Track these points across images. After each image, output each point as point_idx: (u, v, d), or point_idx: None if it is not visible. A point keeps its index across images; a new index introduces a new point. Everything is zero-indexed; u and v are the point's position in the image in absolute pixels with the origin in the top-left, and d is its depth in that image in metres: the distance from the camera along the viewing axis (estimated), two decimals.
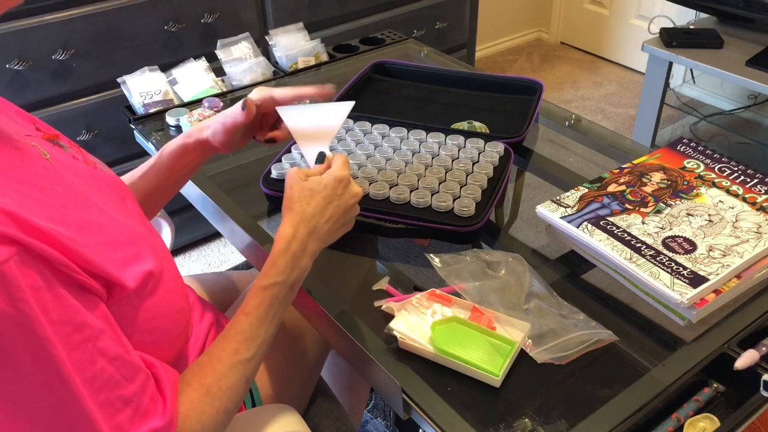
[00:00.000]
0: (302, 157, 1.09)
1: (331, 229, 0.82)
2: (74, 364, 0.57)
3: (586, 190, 1.01)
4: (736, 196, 0.99)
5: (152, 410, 0.63)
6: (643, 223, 0.94)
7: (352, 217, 0.86)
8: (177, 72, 1.43)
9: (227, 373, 0.72)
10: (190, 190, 1.16)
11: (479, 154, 1.12)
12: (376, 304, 0.88)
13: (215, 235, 2.27)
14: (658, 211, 0.97)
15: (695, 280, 0.84)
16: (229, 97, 1.39)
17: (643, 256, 0.88)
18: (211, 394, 0.70)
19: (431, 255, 0.93)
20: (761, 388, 0.76)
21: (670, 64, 2.28)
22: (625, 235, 0.92)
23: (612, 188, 1.01)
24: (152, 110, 1.35)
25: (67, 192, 0.64)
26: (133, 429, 0.61)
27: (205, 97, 1.34)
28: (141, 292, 0.67)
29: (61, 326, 0.56)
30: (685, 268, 0.86)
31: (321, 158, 0.87)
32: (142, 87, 1.38)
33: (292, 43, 1.54)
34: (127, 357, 0.62)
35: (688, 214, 0.96)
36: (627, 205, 0.98)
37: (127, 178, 0.96)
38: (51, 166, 0.65)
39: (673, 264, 0.87)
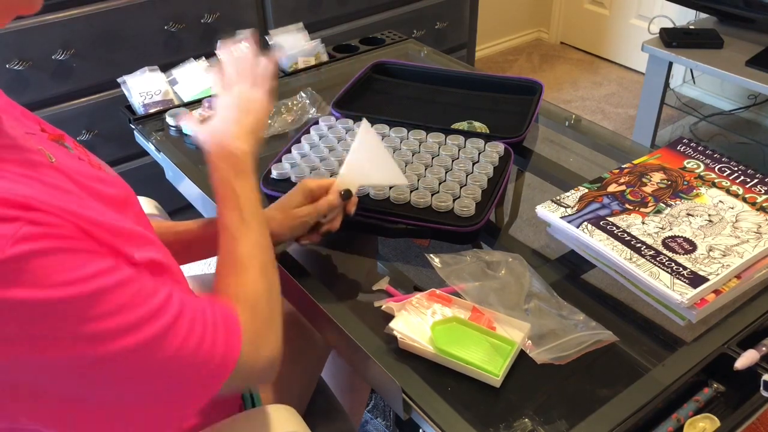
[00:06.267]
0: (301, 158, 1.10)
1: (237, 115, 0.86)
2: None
3: (586, 190, 1.01)
4: (736, 196, 0.99)
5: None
6: (643, 223, 0.94)
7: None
8: (177, 72, 1.43)
9: (231, 251, 0.77)
10: (190, 190, 1.16)
11: (479, 154, 1.12)
12: (376, 304, 0.88)
13: None
14: (658, 211, 0.97)
15: (695, 280, 0.84)
16: None
17: (643, 256, 0.88)
18: (237, 265, 0.75)
19: (431, 255, 0.93)
20: (761, 388, 0.76)
21: (670, 64, 2.28)
22: (625, 235, 0.92)
23: (612, 188, 1.01)
24: (152, 110, 1.35)
25: (70, 194, 0.64)
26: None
27: (205, 97, 1.34)
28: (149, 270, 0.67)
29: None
30: (685, 268, 0.86)
31: (348, 195, 0.92)
32: (142, 87, 1.38)
33: (292, 43, 1.54)
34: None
35: (688, 214, 0.96)
36: (627, 205, 0.98)
37: (159, 226, 0.94)
38: (56, 169, 0.65)
39: (673, 264, 0.87)
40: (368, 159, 0.94)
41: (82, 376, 0.57)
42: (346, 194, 0.92)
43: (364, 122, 0.94)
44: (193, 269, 2.18)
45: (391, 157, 0.96)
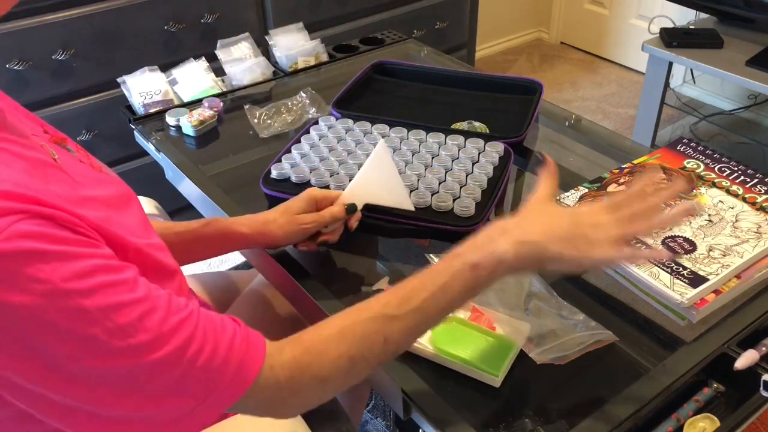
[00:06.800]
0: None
1: (541, 231, 0.70)
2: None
3: (586, 190, 1.01)
4: (736, 196, 0.99)
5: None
6: None
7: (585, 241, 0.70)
8: (177, 72, 1.43)
9: (365, 320, 0.67)
10: (190, 190, 1.16)
11: (479, 154, 1.12)
12: None
13: None
14: None
15: (695, 280, 0.84)
16: (229, 97, 1.39)
17: None
18: (342, 334, 0.66)
19: (431, 255, 0.93)
20: (761, 388, 0.76)
21: (670, 64, 2.28)
22: None
23: (612, 188, 1.01)
24: (152, 110, 1.35)
25: (74, 191, 0.64)
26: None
27: (205, 97, 1.34)
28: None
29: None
30: (685, 268, 0.86)
31: (352, 209, 0.93)
32: (142, 87, 1.38)
33: (292, 43, 1.54)
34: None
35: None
36: None
37: (160, 225, 0.93)
38: (59, 167, 0.65)
39: (672, 264, 0.87)
40: (379, 179, 0.95)
41: (68, 390, 0.54)
42: (351, 208, 0.93)
43: (381, 142, 0.95)
44: (193, 269, 2.18)
45: (401, 181, 0.97)
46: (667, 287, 0.84)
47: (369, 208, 0.99)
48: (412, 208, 0.98)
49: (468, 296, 0.71)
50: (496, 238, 0.70)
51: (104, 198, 0.69)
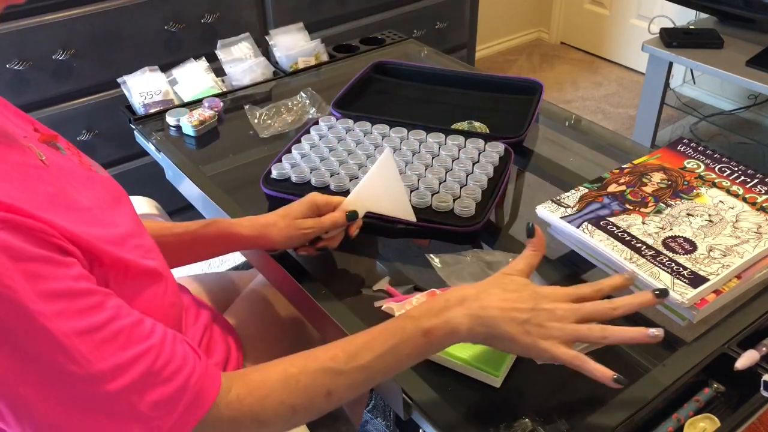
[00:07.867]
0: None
1: (499, 308, 0.70)
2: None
3: (586, 190, 1.01)
4: (737, 196, 0.99)
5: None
6: (644, 223, 0.94)
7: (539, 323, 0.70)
8: (177, 72, 1.43)
9: (312, 372, 0.67)
10: (191, 190, 1.16)
11: (479, 154, 1.12)
12: (376, 304, 0.88)
13: None
14: (659, 212, 0.96)
15: (695, 280, 0.84)
16: (229, 97, 1.39)
17: (644, 256, 0.88)
18: (287, 382, 0.67)
19: (431, 255, 0.93)
20: (761, 388, 0.76)
21: (670, 64, 2.28)
22: (625, 235, 0.92)
23: (612, 188, 1.01)
24: (152, 110, 1.35)
25: (59, 193, 0.64)
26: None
27: (205, 97, 1.34)
28: (134, 280, 0.66)
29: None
30: (685, 268, 0.86)
31: (353, 216, 0.92)
32: (142, 87, 1.38)
33: (292, 43, 1.54)
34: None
35: (689, 215, 0.96)
36: (627, 206, 0.98)
37: (159, 226, 0.93)
38: (46, 167, 0.65)
39: (673, 264, 0.87)
40: (382, 187, 0.94)
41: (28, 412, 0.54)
42: (352, 215, 0.93)
43: (387, 151, 0.95)
44: (192, 269, 2.18)
45: (405, 191, 0.97)
46: (668, 287, 0.84)
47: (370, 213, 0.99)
48: (414, 219, 0.97)
49: (417, 359, 0.71)
50: (452, 307, 0.70)
51: (91, 197, 0.69)
